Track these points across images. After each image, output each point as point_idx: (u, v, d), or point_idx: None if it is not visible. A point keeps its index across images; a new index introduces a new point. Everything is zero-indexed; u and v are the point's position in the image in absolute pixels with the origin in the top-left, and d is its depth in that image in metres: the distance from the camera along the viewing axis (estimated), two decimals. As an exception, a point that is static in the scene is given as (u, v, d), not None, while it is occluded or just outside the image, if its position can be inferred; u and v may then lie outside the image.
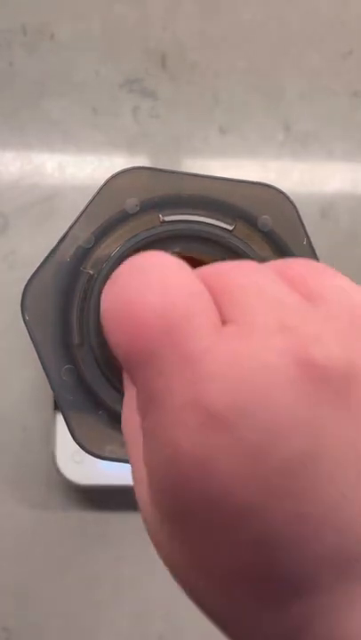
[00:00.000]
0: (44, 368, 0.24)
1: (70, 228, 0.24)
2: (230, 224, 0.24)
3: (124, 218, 0.24)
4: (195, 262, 0.26)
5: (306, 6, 0.36)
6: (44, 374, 0.24)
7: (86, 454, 0.25)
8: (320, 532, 0.13)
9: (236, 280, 0.14)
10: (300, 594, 0.13)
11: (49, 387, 0.25)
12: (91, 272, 0.24)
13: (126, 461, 0.25)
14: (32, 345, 0.24)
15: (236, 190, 0.24)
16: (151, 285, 0.14)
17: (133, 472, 0.16)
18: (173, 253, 0.25)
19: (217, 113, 0.36)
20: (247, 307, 0.14)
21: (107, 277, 0.24)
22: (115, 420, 0.25)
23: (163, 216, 0.24)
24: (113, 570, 0.36)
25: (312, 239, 0.25)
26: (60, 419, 0.33)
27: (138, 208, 0.24)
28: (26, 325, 0.24)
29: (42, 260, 0.24)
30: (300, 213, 0.24)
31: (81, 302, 0.24)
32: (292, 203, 0.24)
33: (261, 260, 0.24)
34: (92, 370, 0.24)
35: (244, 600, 0.14)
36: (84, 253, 0.24)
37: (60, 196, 0.36)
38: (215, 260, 0.26)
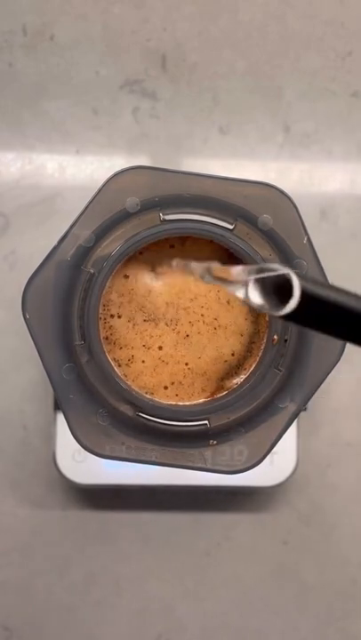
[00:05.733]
0: (45, 367, 0.24)
1: (71, 226, 0.24)
2: (231, 223, 0.24)
3: (124, 217, 0.24)
4: (194, 261, 0.26)
5: (305, 7, 0.36)
6: (44, 373, 0.24)
7: (87, 454, 0.25)
8: None
9: None
10: None
11: (49, 386, 0.25)
12: (91, 271, 0.24)
13: (126, 460, 0.25)
14: (33, 344, 0.24)
15: (236, 190, 0.24)
16: None
17: None
18: (174, 252, 0.25)
19: (217, 113, 0.36)
20: None
21: (107, 276, 0.24)
22: (115, 418, 0.25)
23: (163, 215, 0.24)
24: (113, 569, 0.36)
25: (312, 239, 0.25)
26: (60, 418, 0.33)
27: (138, 207, 0.24)
28: (26, 324, 0.24)
29: (42, 259, 0.24)
30: (300, 213, 0.24)
31: (81, 301, 0.24)
32: (292, 202, 0.24)
33: (262, 259, 0.24)
34: (92, 368, 0.24)
35: None
36: (84, 252, 0.24)
37: (60, 197, 0.36)
38: (215, 259, 0.26)
